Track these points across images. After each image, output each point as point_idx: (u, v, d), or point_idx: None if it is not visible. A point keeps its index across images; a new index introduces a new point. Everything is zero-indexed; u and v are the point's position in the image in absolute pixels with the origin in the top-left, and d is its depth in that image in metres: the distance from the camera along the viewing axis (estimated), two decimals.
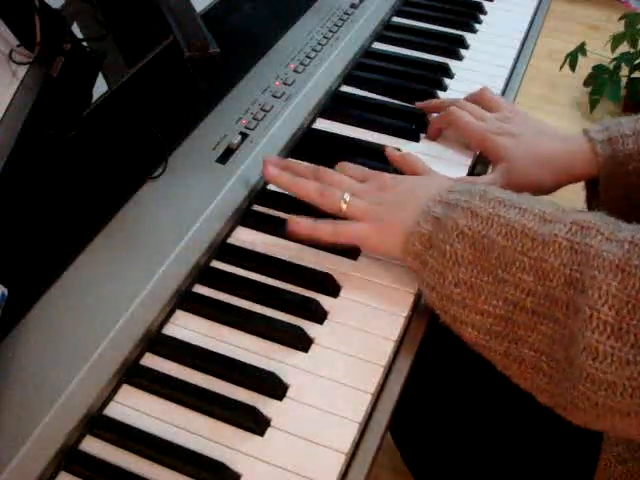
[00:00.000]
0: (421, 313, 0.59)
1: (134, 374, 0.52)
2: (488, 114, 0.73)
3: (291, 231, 0.61)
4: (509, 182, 0.68)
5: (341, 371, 0.53)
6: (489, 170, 0.75)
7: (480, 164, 0.75)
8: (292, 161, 0.67)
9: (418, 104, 0.78)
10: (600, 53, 1.94)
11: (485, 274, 0.50)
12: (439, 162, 0.72)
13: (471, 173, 0.73)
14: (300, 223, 0.60)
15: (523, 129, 0.71)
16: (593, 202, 0.72)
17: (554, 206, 0.52)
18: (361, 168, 0.65)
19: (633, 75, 1.90)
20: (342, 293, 0.59)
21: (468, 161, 0.73)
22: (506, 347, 0.50)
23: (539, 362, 0.49)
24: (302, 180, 0.62)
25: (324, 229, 0.59)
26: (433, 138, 0.75)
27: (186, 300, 0.57)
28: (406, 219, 0.56)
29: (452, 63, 0.86)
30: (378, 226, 0.58)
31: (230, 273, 0.60)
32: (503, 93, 0.83)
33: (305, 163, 0.67)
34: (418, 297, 0.59)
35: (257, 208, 0.66)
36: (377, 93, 0.81)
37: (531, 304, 0.49)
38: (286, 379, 0.53)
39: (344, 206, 0.59)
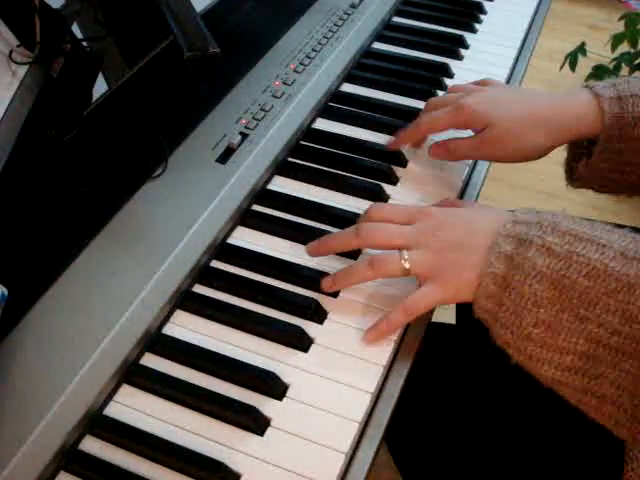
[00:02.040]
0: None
1: (134, 374, 0.52)
2: (460, 94, 0.68)
3: (371, 341, 0.55)
4: (496, 147, 0.64)
5: (341, 371, 0.53)
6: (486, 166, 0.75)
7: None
8: (327, 238, 0.60)
9: (391, 144, 0.72)
10: (600, 53, 1.93)
11: (566, 313, 0.48)
12: (438, 165, 0.72)
13: (471, 172, 0.73)
14: (374, 332, 0.55)
15: (504, 92, 0.67)
16: (579, 163, 0.68)
17: (629, 236, 0.50)
18: (401, 209, 0.59)
19: (633, 75, 1.90)
20: (342, 293, 0.59)
21: (469, 161, 0.73)
22: (585, 383, 0.49)
23: (620, 398, 0.48)
24: (351, 271, 0.57)
25: (397, 317, 0.54)
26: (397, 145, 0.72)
27: (186, 300, 0.57)
28: (473, 260, 0.52)
29: (452, 63, 0.86)
30: (445, 279, 0.54)
31: (230, 273, 0.60)
32: None
33: (342, 230, 0.60)
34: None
35: (257, 208, 0.66)
36: (377, 93, 0.81)
37: (616, 343, 0.47)
38: (286, 379, 0.53)
39: (407, 265, 0.54)
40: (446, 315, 0.82)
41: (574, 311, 0.48)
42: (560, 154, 0.71)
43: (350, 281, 0.57)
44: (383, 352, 0.55)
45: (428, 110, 0.71)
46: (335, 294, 0.59)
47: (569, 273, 0.48)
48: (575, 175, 0.69)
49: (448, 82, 0.83)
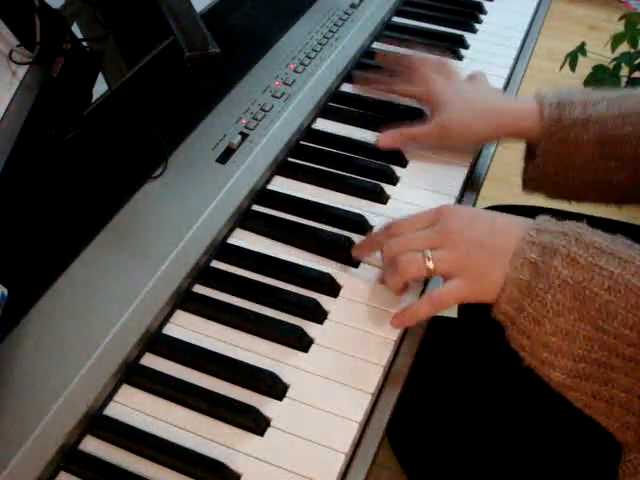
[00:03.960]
0: None
1: (134, 374, 0.52)
2: (436, 75, 0.74)
3: (396, 326, 0.56)
4: (444, 129, 0.70)
5: (341, 371, 0.53)
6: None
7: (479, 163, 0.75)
8: (360, 248, 0.61)
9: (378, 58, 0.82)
10: (600, 53, 1.93)
11: (584, 322, 0.49)
12: (438, 165, 0.72)
13: (471, 172, 0.73)
14: (400, 318, 0.55)
15: (470, 84, 0.74)
16: (529, 165, 0.72)
17: None
18: (419, 217, 0.58)
19: (633, 75, 1.90)
20: (342, 293, 0.59)
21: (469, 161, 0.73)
22: (596, 388, 0.50)
23: (630, 402, 0.49)
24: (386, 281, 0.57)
25: (422, 308, 0.55)
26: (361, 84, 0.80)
27: (186, 300, 0.57)
28: (498, 261, 0.53)
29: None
30: (471, 277, 0.54)
31: (230, 273, 0.60)
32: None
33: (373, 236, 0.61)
34: (417, 297, 0.59)
35: (257, 208, 0.66)
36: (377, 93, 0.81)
37: (631, 353, 0.48)
38: (286, 379, 0.53)
39: (431, 265, 0.54)
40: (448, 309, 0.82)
41: (592, 321, 0.49)
42: None
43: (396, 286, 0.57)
44: (383, 352, 0.55)
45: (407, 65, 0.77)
46: (335, 294, 0.59)
47: (591, 285, 0.49)
48: (526, 177, 0.73)
49: None
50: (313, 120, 0.76)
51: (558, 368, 0.50)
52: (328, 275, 0.60)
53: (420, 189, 0.69)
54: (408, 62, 0.78)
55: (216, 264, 0.61)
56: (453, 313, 0.88)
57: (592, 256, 0.50)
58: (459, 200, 0.69)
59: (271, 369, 0.53)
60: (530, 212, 0.86)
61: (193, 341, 0.55)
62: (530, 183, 0.73)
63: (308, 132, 0.74)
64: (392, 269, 0.56)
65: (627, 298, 0.48)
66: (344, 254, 0.61)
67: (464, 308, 0.86)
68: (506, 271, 0.52)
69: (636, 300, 0.48)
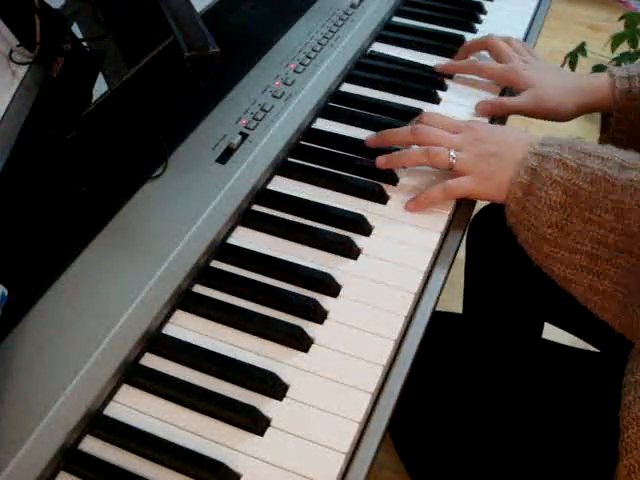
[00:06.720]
0: (421, 314, 0.59)
1: (134, 374, 0.52)
2: (515, 54, 0.82)
3: (409, 210, 0.66)
4: (537, 106, 0.77)
5: (341, 371, 0.53)
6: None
7: None
8: (387, 132, 0.70)
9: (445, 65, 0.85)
10: (600, 53, 1.93)
11: (574, 217, 0.59)
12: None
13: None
14: (415, 201, 0.65)
15: (547, 66, 0.81)
16: (607, 133, 0.79)
17: (631, 153, 0.60)
18: (450, 120, 0.70)
19: None
20: (342, 293, 0.59)
21: None
22: (590, 280, 0.59)
23: (616, 293, 0.58)
24: (406, 153, 0.68)
25: (436, 193, 0.65)
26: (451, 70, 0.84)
27: (186, 300, 0.57)
28: (506, 169, 0.64)
29: None
30: (482, 178, 0.65)
31: (230, 273, 0.60)
32: (504, 93, 0.83)
33: (399, 128, 0.70)
34: (419, 296, 0.59)
35: (257, 208, 0.66)
36: (377, 93, 0.81)
37: (613, 240, 0.57)
38: (286, 379, 0.53)
39: (453, 161, 0.65)
40: (453, 306, 0.82)
41: (580, 215, 0.58)
42: None
43: (403, 161, 0.68)
44: (383, 352, 0.55)
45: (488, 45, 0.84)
46: (335, 294, 0.59)
47: (577, 181, 0.59)
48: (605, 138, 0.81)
49: (448, 82, 0.83)
50: (313, 120, 0.76)
51: (559, 260, 0.59)
52: (328, 275, 0.60)
53: (420, 189, 0.69)
54: (481, 44, 0.84)
55: (216, 264, 0.61)
56: (458, 309, 0.88)
57: (579, 159, 0.60)
58: (458, 200, 0.69)
59: (271, 369, 0.53)
60: None
61: (193, 341, 0.55)
62: None
63: (308, 132, 0.74)
64: (422, 151, 0.66)
65: (604, 187, 0.58)
66: (346, 255, 0.61)
67: (469, 304, 0.87)
68: (510, 175, 0.63)
69: (612, 188, 0.57)
